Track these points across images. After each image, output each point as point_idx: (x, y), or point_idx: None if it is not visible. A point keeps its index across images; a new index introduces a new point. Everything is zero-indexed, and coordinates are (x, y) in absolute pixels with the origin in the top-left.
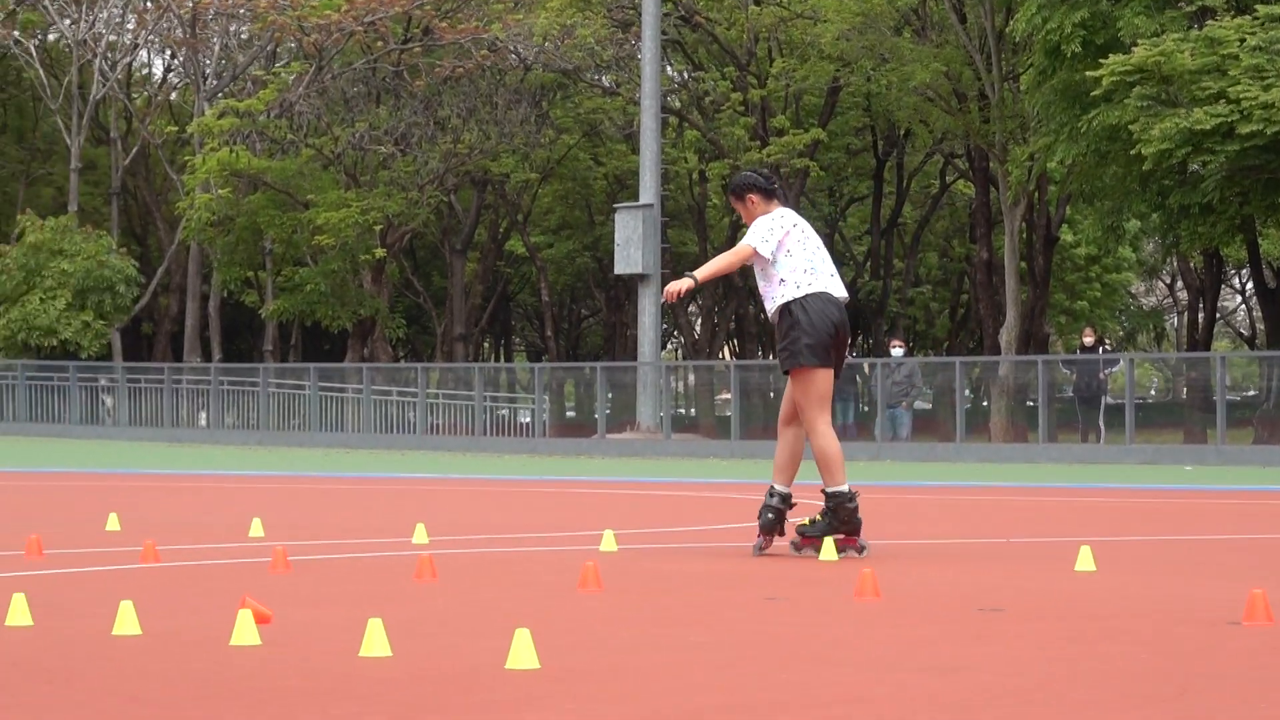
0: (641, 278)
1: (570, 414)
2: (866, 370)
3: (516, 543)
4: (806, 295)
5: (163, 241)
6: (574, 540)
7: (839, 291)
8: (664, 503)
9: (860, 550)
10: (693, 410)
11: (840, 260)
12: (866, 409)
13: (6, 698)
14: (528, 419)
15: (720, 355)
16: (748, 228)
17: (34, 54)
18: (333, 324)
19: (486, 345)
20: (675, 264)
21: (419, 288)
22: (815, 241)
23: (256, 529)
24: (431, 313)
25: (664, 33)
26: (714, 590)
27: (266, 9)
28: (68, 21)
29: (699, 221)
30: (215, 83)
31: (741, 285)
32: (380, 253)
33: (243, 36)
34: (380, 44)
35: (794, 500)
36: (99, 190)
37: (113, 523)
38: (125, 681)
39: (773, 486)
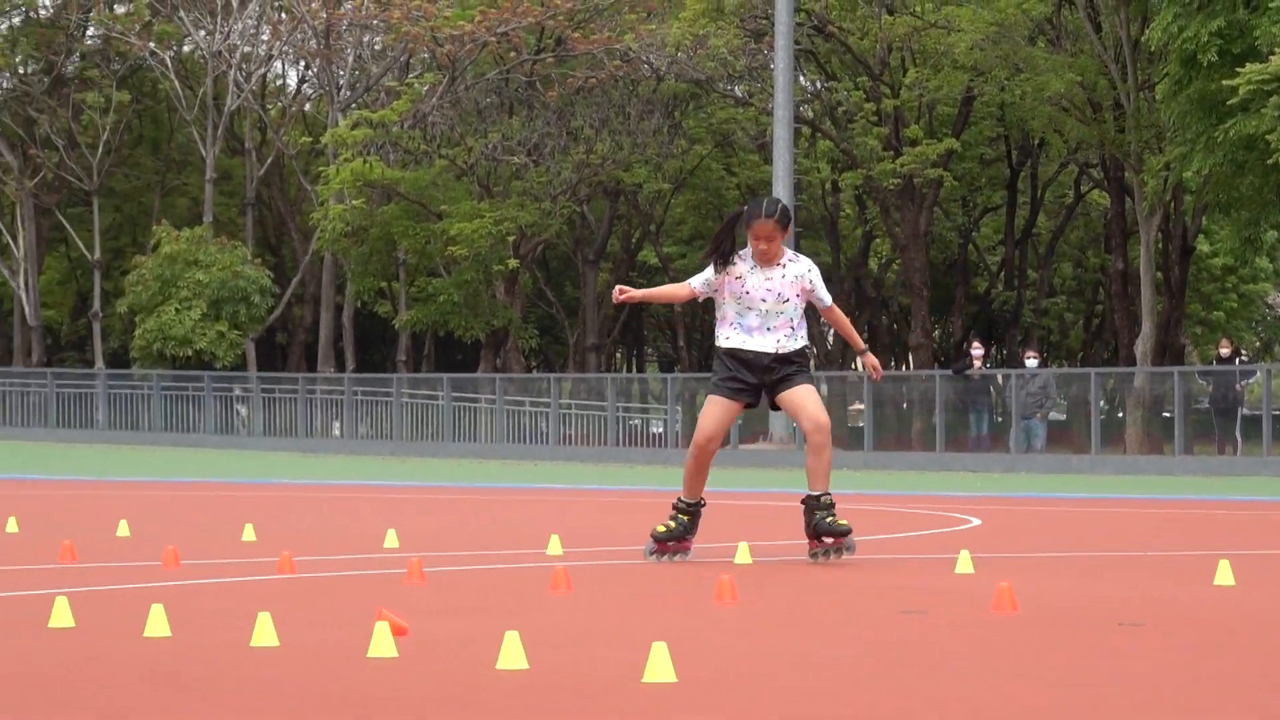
0: None
1: None
2: (1001, 381)
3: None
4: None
5: (297, 252)
6: (708, 552)
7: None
8: (797, 514)
9: (844, 551)
10: None
11: (974, 270)
12: (1001, 420)
13: (146, 709)
14: (660, 429)
15: (853, 366)
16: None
17: (170, 66)
18: (466, 334)
19: (619, 355)
20: None
21: (552, 298)
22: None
23: (391, 540)
24: (564, 323)
25: (797, 43)
26: (849, 602)
27: (400, 20)
28: (203, 33)
29: (831, 232)
30: (349, 94)
31: (874, 296)
32: (513, 263)
33: (376, 47)
34: (513, 54)
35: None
36: (234, 201)
37: (249, 533)
38: (263, 693)
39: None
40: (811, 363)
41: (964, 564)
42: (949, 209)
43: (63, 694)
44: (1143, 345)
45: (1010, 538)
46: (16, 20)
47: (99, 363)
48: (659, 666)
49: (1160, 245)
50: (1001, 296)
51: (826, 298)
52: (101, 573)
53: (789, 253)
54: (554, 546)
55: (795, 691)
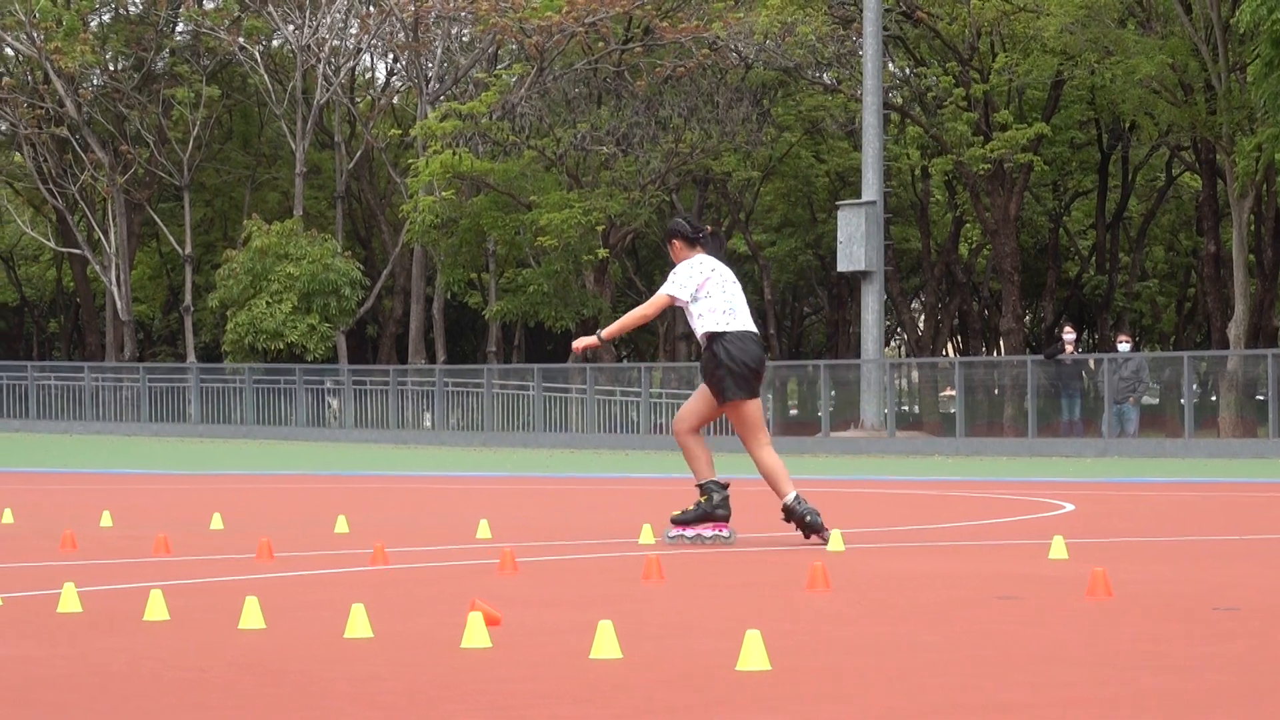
0: (865, 275)
1: (793, 412)
2: (1093, 366)
3: (743, 543)
4: (728, 333)
5: (386, 244)
6: (800, 540)
7: (753, 328)
8: (890, 501)
9: (726, 539)
10: (916, 407)
11: (1064, 255)
12: (1093, 405)
13: (241, 700)
14: None
15: (944, 351)
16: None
17: (259, 60)
18: (556, 324)
19: None
20: (898, 261)
21: (641, 287)
22: (734, 286)
23: (483, 531)
24: None
25: (885, 29)
26: (943, 589)
27: (488, 12)
28: (292, 27)
29: (922, 218)
30: (437, 86)
31: (965, 281)
32: (603, 253)
33: (464, 39)
34: (601, 45)
35: (725, 481)
36: (324, 194)
37: (341, 525)
38: (358, 684)
39: (714, 482)
40: (902, 348)
41: (1058, 549)
42: (1039, 193)
43: (158, 687)
44: (1235, 328)
45: (1103, 523)
46: (107, 17)
47: (191, 357)
48: (753, 655)
49: (1252, 227)
50: (1093, 281)
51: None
52: (195, 566)
53: (681, 265)
54: (646, 536)
55: (890, 679)
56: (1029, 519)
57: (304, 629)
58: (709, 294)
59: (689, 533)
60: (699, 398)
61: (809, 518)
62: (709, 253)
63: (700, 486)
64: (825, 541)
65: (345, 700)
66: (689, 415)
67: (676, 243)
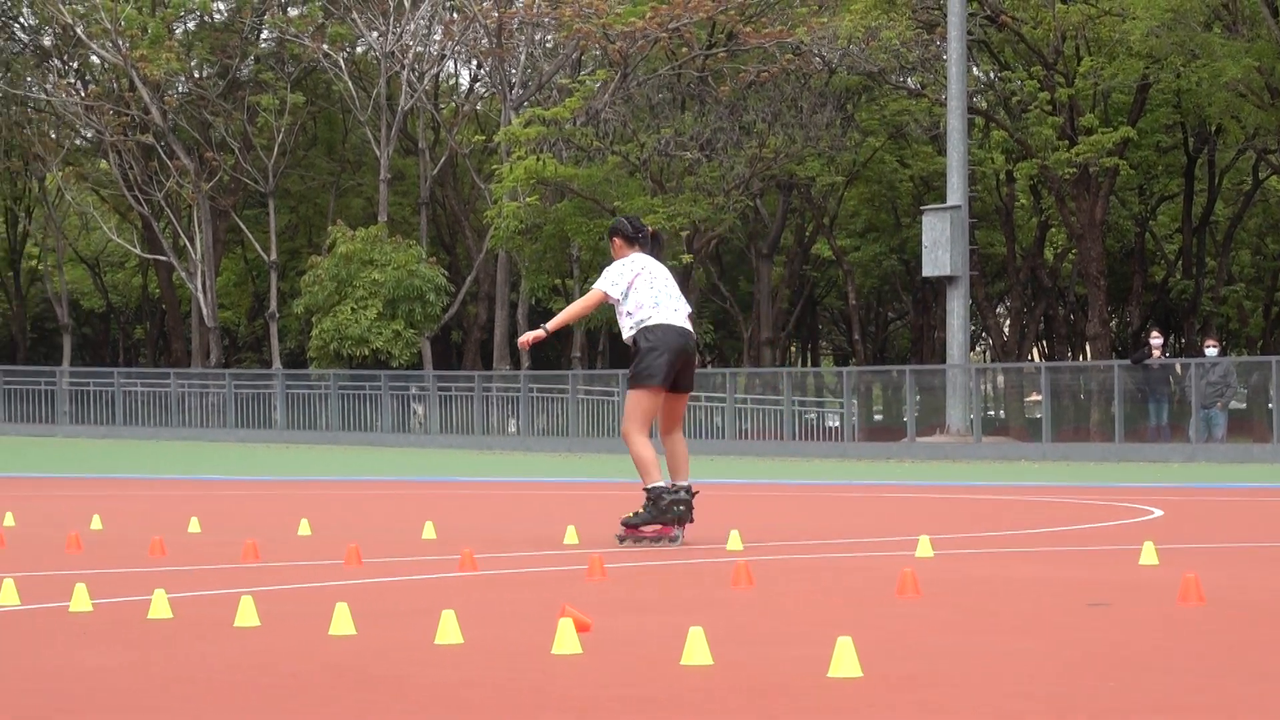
0: (950, 279)
1: (878, 417)
2: (1180, 371)
3: (831, 548)
4: (651, 325)
5: (471, 250)
6: (889, 545)
7: (681, 323)
8: (977, 506)
9: (672, 540)
10: (1002, 412)
11: (1150, 259)
12: (1180, 410)
13: (333, 707)
14: (836, 423)
15: (1029, 356)
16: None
17: (343, 67)
18: None
19: (793, 349)
20: (983, 266)
21: (725, 293)
22: (664, 281)
23: (571, 536)
24: (738, 317)
25: (970, 33)
26: (1034, 596)
27: (571, 17)
28: (375, 34)
29: (1006, 222)
30: (521, 91)
31: (1050, 286)
32: (687, 258)
33: (548, 45)
34: (685, 50)
35: (696, 489)
36: (408, 200)
37: (429, 531)
38: (450, 690)
39: (677, 486)
40: (987, 353)
41: (1148, 555)
42: (1125, 197)
43: (249, 693)
44: None
45: (1193, 528)
46: (192, 25)
47: (276, 363)
48: (844, 661)
49: None
50: (1179, 285)
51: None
52: (284, 572)
53: (613, 264)
54: (734, 542)
55: (982, 686)
56: (1117, 525)
57: (394, 635)
58: (636, 289)
59: (637, 535)
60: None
61: (680, 508)
62: (647, 252)
63: (647, 490)
64: (672, 542)
65: (437, 706)
66: (661, 419)
67: (617, 240)
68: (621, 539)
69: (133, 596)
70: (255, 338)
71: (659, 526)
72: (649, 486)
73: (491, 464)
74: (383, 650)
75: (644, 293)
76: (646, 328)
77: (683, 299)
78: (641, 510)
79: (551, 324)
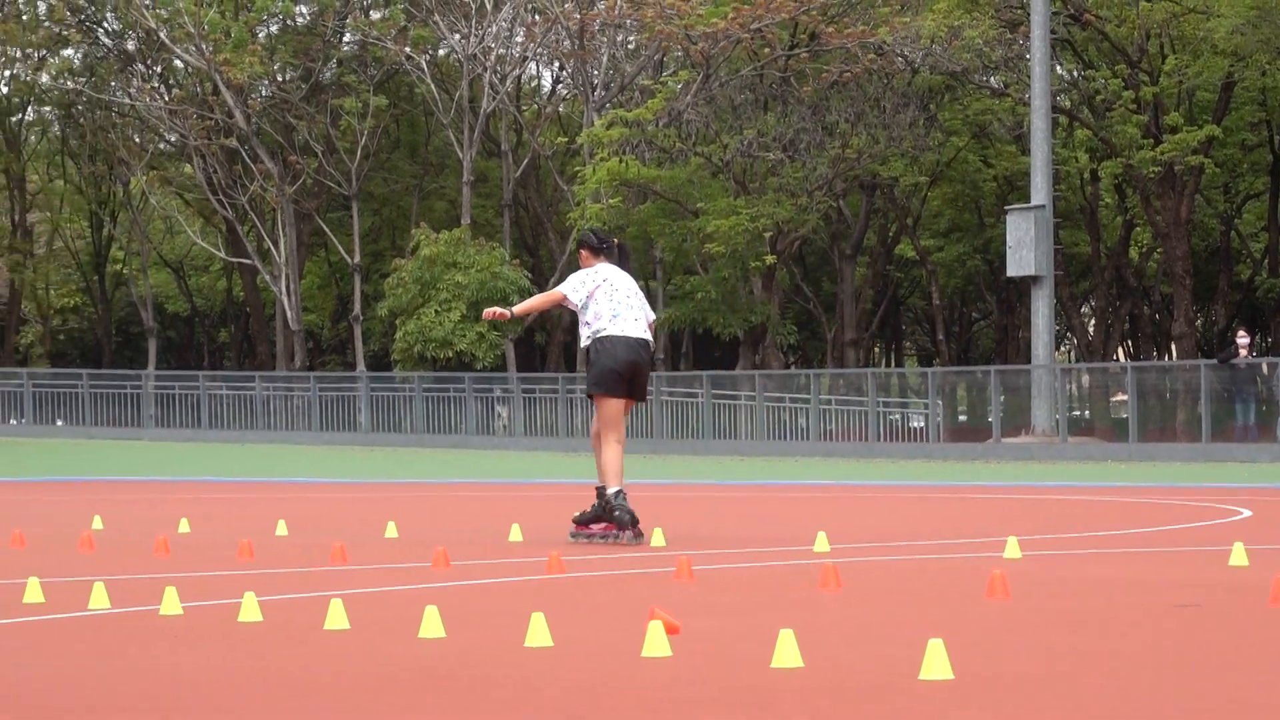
0: (1034, 279)
1: (962, 418)
2: (1266, 370)
3: (918, 550)
4: (604, 337)
5: (554, 252)
6: (976, 547)
7: (636, 333)
8: (1064, 507)
9: (615, 539)
10: (1087, 413)
11: (1237, 258)
12: (1266, 409)
13: (423, 710)
14: (920, 424)
15: (1114, 356)
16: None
17: (425, 70)
18: (724, 331)
19: (877, 350)
20: (1067, 265)
21: (809, 293)
22: (625, 292)
23: (658, 538)
24: (822, 318)
25: (1053, 31)
26: (1123, 597)
27: (653, 19)
28: (458, 37)
29: (1091, 222)
30: (603, 93)
31: (1136, 285)
32: (770, 259)
33: (630, 47)
34: (767, 50)
35: (626, 492)
36: (490, 202)
37: (515, 533)
38: (540, 693)
39: (607, 489)
40: (1072, 353)
41: (1238, 556)
42: (1210, 196)
43: (340, 696)
44: None
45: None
46: (275, 28)
47: (360, 366)
48: (936, 663)
49: None
50: (1266, 284)
51: (559, 289)
52: (373, 574)
53: (578, 271)
54: (821, 543)
55: (1074, 689)
56: (1206, 525)
57: (484, 637)
58: (596, 300)
59: (585, 532)
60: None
61: (618, 513)
62: (613, 263)
63: (599, 489)
64: (640, 538)
65: (528, 709)
66: (596, 422)
67: (584, 251)
68: (573, 535)
69: (222, 600)
70: (339, 340)
71: (605, 525)
72: (599, 487)
73: (575, 466)
74: (472, 653)
75: (603, 304)
76: (600, 338)
77: (646, 309)
78: (589, 510)
79: (516, 308)
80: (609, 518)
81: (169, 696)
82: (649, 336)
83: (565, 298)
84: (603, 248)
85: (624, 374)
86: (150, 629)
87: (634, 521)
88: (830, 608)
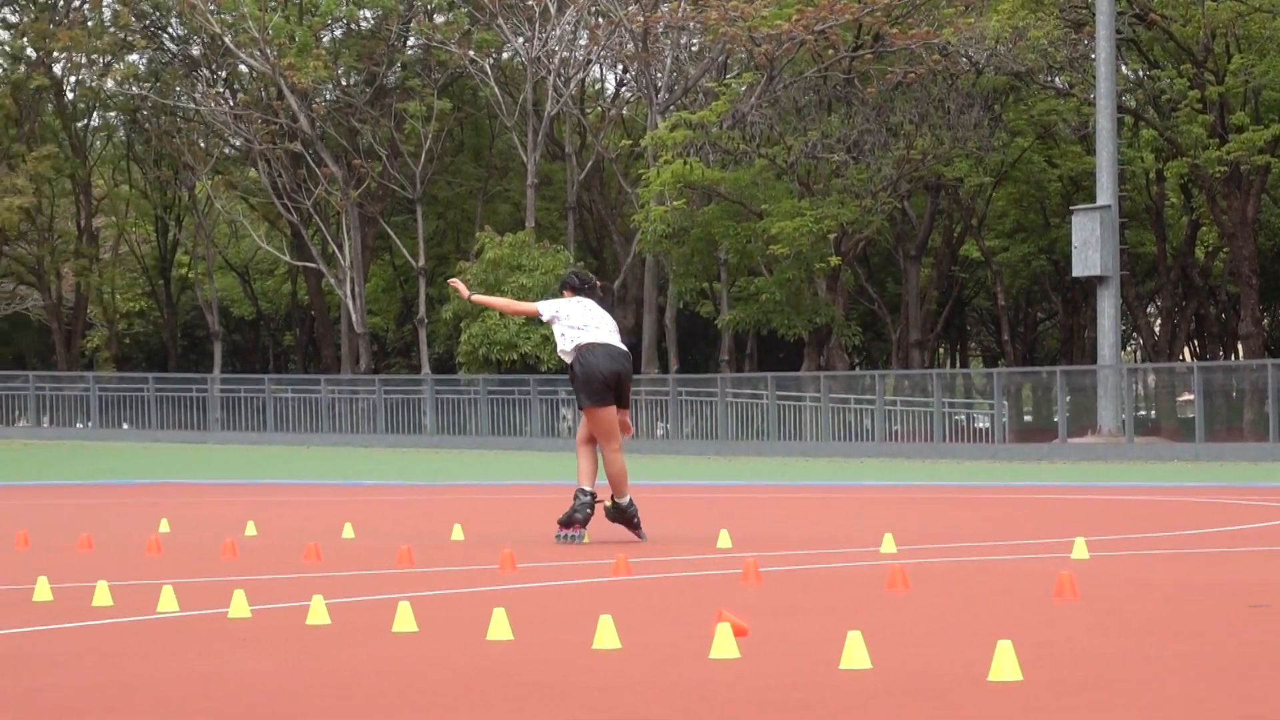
0: (1100, 279)
1: (1028, 418)
2: None
3: (985, 551)
4: (584, 345)
5: (618, 254)
6: (1043, 548)
7: (614, 342)
8: (1131, 508)
9: (573, 538)
10: (1154, 413)
11: None
12: None
13: (492, 713)
14: (985, 424)
15: (1181, 356)
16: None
17: (489, 73)
18: (788, 333)
19: (942, 350)
20: (1133, 265)
21: (873, 294)
22: (598, 311)
23: (724, 540)
24: (886, 319)
25: (1118, 31)
26: (1194, 598)
27: (717, 21)
28: (521, 40)
29: (1156, 221)
30: (667, 96)
31: (1202, 285)
32: (835, 260)
33: (693, 49)
34: (831, 52)
35: (599, 498)
36: (555, 205)
37: (582, 535)
38: (609, 695)
39: (581, 490)
40: (1137, 353)
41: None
42: (1277, 195)
43: (407, 699)
44: None
45: None
46: (339, 33)
47: (425, 368)
48: (1004, 665)
49: None
50: None
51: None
52: (440, 577)
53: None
54: (888, 544)
55: (1142, 690)
56: (1275, 525)
57: (552, 640)
58: (569, 315)
59: (567, 532)
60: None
61: (636, 519)
62: (590, 298)
63: (577, 491)
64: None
65: (597, 712)
66: (581, 428)
67: (566, 292)
68: (558, 536)
69: (290, 603)
70: (404, 343)
71: (573, 524)
72: (579, 489)
73: (640, 468)
74: (541, 655)
75: (577, 316)
76: (581, 347)
77: (616, 333)
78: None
79: (476, 297)
80: (630, 523)
81: (238, 700)
82: (626, 349)
83: (538, 310)
84: (583, 288)
85: (610, 383)
86: (219, 632)
87: (585, 522)
88: (898, 609)
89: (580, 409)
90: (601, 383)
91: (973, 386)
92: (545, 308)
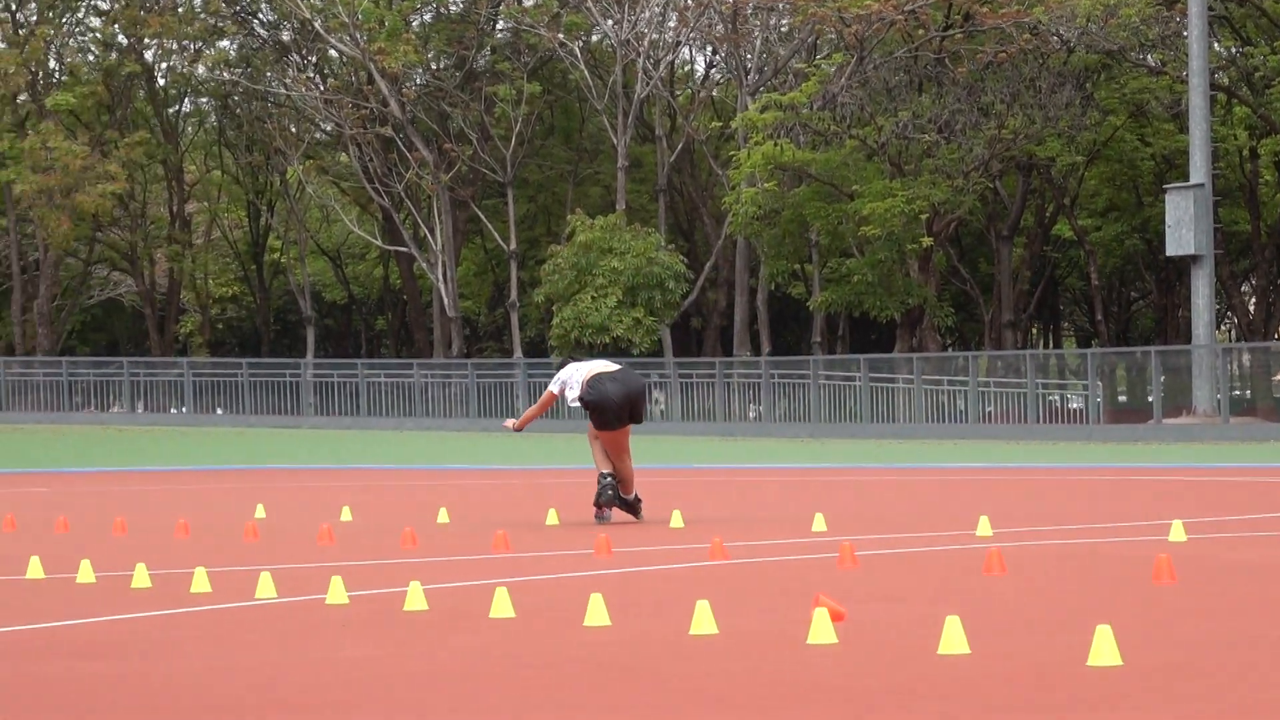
0: (1194, 259)
1: (1122, 399)
2: None
3: (1081, 533)
4: (591, 379)
5: (709, 236)
6: (1140, 530)
7: (614, 366)
8: (1228, 489)
9: (600, 519)
10: (1249, 392)
11: None
12: None
13: (591, 696)
14: (1079, 405)
15: (1276, 335)
16: None
17: (579, 56)
18: (880, 314)
19: (1034, 331)
20: (1227, 244)
21: (965, 275)
22: (591, 363)
23: (819, 523)
24: (979, 300)
25: (1210, 8)
26: None
27: (806, 2)
28: (610, 22)
29: (1250, 200)
30: (757, 77)
31: None
32: (927, 241)
33: (783, 30)
34: (921, 32)
35: (610, 472)
36: (645, 187)
37: (676, 520)
38: (707, 681)
39: (602, 474)
40: (1232, 332)
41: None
42: None
43: (508, 685)
44: None
45: None
46: (428, 17)
47: (517, 352)
48: (1104, 649)
49: None
50: None
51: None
52: (536, 562)
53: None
54: (983, 528)
55: (1242, 676)
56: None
57: (649, 625)
58: (569, 374)
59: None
60: None
61: (638, 510)
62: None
63: (598, 476)
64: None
65: (695, 697)
66: (590, 425)
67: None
68: (596, 517)
69: (388, 589)
70: (496, 327)
71: (600, 505)
72: (598, 473)
73: (732, 450)
74: (638, 641)
75: (578, 370)
76: (587, 380)
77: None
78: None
79: (519, 421)
80: (635, 511)
81: (338, 686)
82: (626, 366)
83: (552, 393)
84: (575, 358)
85: (624, 407)
86: (317, 618)
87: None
88: (995, 593)
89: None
90: (614, 411)
91: (1066, 367)
92: (553, 385)
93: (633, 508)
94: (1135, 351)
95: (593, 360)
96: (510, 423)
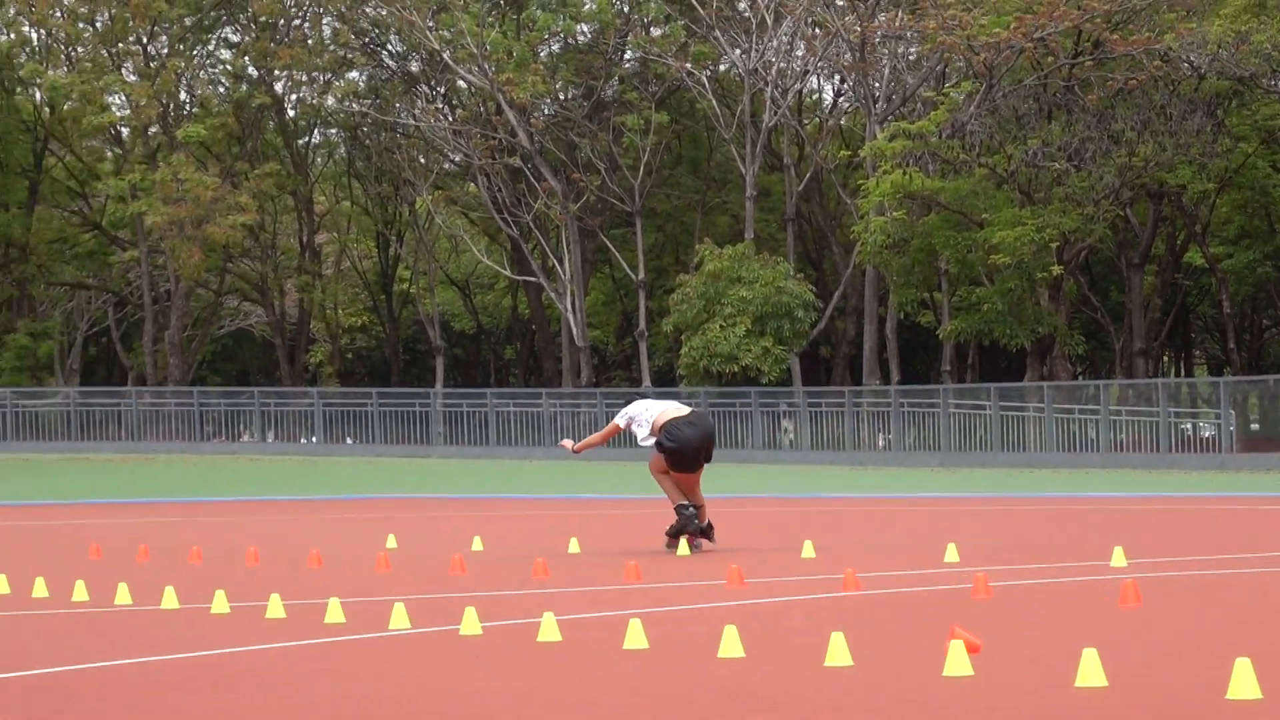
0: None
1: (1255, 427)
2: None
3: (1217, 564)
4: (668, 423)
5: (838, 265)
6: (1276, 561)
7: (687, 410)
8: None
9: (694, 547)
10: None
11: None
12: None
13: None
14: (1212, 433)
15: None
16: None
17: (706, 85)
18: (1010, 343)
19: (1166, 359)
20: None
21: (1096, 303)
22: (661, 403)
23: (951, 554)
24: (1109, 328)
25: None
26: None
27: (935, 30)
28: (738, 52)
29: None
30: (885, 105)
31: None
32: (1057, 269)
33: (911, 58)
34: (1050, 59)
35: (688, 504)
36: (773, 217)
37: (808, 550)
38: (843, 714)
39: (680, 505)
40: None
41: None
42: None
43: (641, 714)
44: None
45: None
46: (556, 47)
47: (646, 381)
48: (1243, 682)
49: None
50: None
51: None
52: (668, 593)
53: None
54: (1118, 558)
55: None
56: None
57: (784, 657)
58: (639, 412)
59: (688, 543)
60: None
61: (707, 532)
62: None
63: (676, 508)
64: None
65: None
66: (653, 461)
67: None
68: (667, 546)
69: (520, 619)
70: (624, 356)
71: (689, 535)
72: (675, 505)
73: (862, 480)
74: (773, 673)
75: (649, 408)
76: (663, 425)
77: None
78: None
79: (579, 445)
80: (685, 530)
81: (473, 717)
82: (696, 409)
83: (618, 425)
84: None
85: (701, 449)
86: (451, 649)
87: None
88: (1132, 625)
89: (669, 470)
90: (693, 453)
91: (1198, 395)
92: (619, 419)
93: (708, 533)
94: (1268, 379)
95: (664, 402)
96: (568, 443)
